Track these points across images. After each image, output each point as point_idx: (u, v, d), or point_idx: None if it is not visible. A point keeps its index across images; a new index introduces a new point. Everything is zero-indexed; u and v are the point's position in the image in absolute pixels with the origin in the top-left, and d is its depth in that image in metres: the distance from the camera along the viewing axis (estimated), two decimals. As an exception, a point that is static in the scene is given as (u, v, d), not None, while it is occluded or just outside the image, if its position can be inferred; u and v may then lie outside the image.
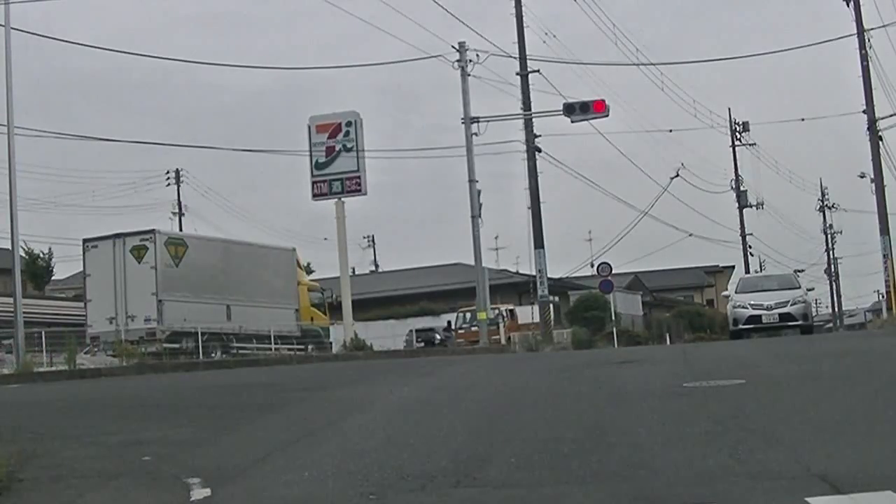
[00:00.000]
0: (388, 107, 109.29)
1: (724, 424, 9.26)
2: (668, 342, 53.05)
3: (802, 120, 68.53)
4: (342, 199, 38.07)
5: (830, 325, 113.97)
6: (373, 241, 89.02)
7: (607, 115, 33.20)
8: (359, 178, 37.94)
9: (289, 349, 36.58)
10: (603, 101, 32.80)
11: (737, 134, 67.19)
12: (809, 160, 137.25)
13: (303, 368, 23.30)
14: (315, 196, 38.51)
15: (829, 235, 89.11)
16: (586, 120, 34.05)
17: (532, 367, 18.86)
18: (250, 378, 19.35)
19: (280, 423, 11.36)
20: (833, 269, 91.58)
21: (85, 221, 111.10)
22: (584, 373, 15.79)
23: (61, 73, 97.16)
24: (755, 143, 68.69)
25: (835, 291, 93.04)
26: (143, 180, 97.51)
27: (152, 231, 33.74)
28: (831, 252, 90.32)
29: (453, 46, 34.85)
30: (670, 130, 56.07)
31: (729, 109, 70.49)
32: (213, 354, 33.67)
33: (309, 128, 38.72)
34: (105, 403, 15.15)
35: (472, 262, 37.21)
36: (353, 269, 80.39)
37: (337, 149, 38.28)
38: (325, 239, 45.99)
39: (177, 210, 69.64)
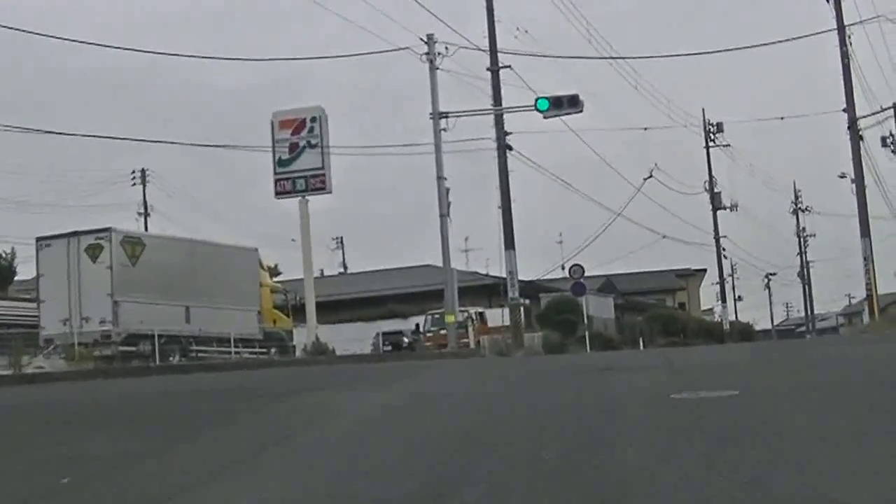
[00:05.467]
0: (369, 106, 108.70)
1: (721, 441, 8.27)
2: (641, 346, 52.19)
3: (782, 119, 67.13)
4: (306, 197, 36.82)
5: (803, 329, 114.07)
6: (341, 242, 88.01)
7: (581, 111, 32.10)
8: (323, 175, 36.66)
9: (251, 353, 35.48)
10: (577, 95, 31.73)
11: (711, 135, 66.52)
12: (783, 162, 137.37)
13: (262, 374, 22.16)
14: (278, 194, 37.22)
15: (802, 238, 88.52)
16: (559, 116, 32.95)
17: (505, 373, 17.82)
18: (206, 384, 18.49)
19: (230, 438, 10.43)
20: (806, 273, 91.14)
21: (54, 221, 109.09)
22: (562, 381, 14.76)
23: (45, 71, 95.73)
24: (729, 145, 68.07)
25: (807, 296, 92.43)
26: (109, 180, 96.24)
27: (108, 229, 32.39)
28: (804, 255, 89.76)
29: (421, 38, 33.62)
30: (645, 129, 54.89)
31: (703, 110, 69.64)
32: (171, 358, 32.46)
33: (272, 123, 37.41)
34: (47, 411, 14.34)
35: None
36: (322, 270, 79.81)
37: (301, 145, 36.98)
38: (293, 240, 44.95)
39: (142, 210, 68.66)
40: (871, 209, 38.75)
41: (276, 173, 37.10)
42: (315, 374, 20.83)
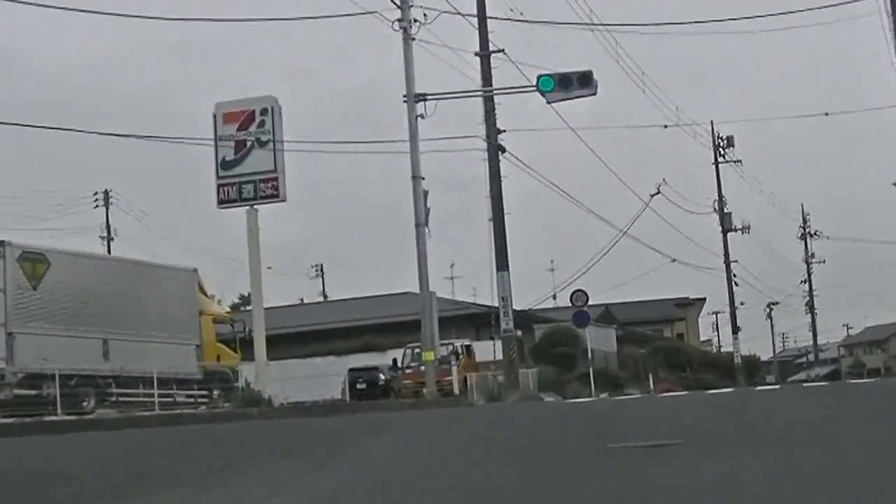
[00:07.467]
0: (359, 127, 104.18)
1: None
2: (650, 384, 46.25)
3: (826, 115, 60.28)
4: (255, 206, 30.40)
5: (802, 360, 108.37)
6: (321, 269, 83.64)
7: (595, 93, 25.88)
8: (276, 179, 30.13)
9: (188, 395, 29.35)
10: (589, 72, 25.56)
11: (720, 150, 60.84)
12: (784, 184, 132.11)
13: (152, 437, 16.01)
14: (221, 203, 30.71)
15: (809, 265, 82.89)
16: (567, 99, 26.85)
17: (494, 442, 11.54)
18: (49, 459, 12.63)
19: None
20: (812, 302, 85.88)
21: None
22: (587, 471, 8.50)
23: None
24: (740, 160, 62.35)
25: (814, 326, 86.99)
26: (70, 202, 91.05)
27: (1, 243, 26.16)
28: (811, 282, 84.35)
29: (393, 1, 27.49)
30: (665, 126, 49.01)
31: (712, 122, 63.86)
32: (84, 404, 26.41)
33: (214, 117, 30.99)
34: None
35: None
36: (302, 299, 75.44)
37: (249, 143, 30.57)
38: (269, 268, 39.66)
39: (105, 234, 64.55)
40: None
41: (218, 177, 30.71)
42: (224, 439, 14.62)
